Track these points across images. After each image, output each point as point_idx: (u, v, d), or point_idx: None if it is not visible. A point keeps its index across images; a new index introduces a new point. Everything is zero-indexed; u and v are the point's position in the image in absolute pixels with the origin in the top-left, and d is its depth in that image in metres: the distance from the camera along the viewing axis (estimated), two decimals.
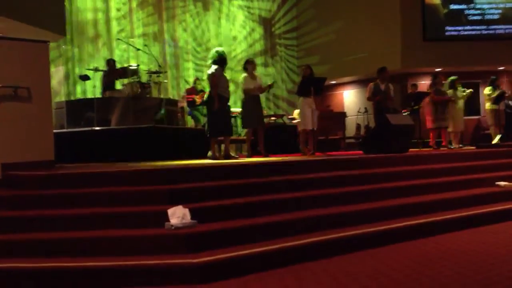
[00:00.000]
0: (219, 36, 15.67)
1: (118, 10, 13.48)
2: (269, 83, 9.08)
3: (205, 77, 10.93)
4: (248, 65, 8.47)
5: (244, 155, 9.04)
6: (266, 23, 16.95)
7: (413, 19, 14.74)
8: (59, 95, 12.08)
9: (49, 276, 3.66)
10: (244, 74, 8.42)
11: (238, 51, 16.06)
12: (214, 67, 7.62)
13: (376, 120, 9.41)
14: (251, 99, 8.30)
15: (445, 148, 10.43)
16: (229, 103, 8.03)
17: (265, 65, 16.56)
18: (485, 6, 14.98)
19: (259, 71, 13.45)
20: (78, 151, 8.74)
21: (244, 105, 8.40)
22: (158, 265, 3.66)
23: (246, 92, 8.30)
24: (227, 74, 8.15)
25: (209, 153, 7.97)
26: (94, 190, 4.80)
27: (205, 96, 7.91)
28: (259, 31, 16.75)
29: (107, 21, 13.20)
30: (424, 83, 14.48)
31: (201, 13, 15.33)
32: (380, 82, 9.49)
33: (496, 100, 11.02)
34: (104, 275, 3.63)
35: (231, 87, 8.87)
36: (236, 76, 13.76)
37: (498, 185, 6.63)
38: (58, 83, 12.06)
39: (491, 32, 14.96)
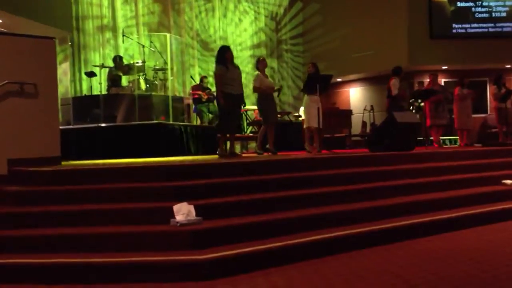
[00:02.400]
0: (224, 32, 15.63)
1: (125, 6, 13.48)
2: (277, 87, 8.96)
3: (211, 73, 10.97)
4: (259, 64, 8.48)
5: (248, 152, 9.03)
6: (272, 25, 16.85)
7: (420, 17, 14.68)
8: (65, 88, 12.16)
9: (55, 271, 3.67)
10: (257, 72, 8.42)
11: (243, 48, 16.01)
12: (216, 66, 7.67)
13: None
14: (266, 97, 8.30)
15: (435, 146, 10.43)
16: (243, 100, 8.03)
17: (270, 55, 16.44)
18: (492, 4, 14.90)
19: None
20: (84, 147, 8.77)
21: (261, 102, 8.38)
22: (163, 261, 3.66)
23: (260, 90, 8.29)
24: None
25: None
26: (100, 187, 4.81)
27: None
28: (264, 30, 16.68)
29: (113, 18, 13.21)
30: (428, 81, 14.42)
31: (207, 9, 15.30)
32: (400, 79, 9.60)
33: (502, 98, 10.96)
34: (109, 271, 3.64)
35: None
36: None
37: (504, 184, 6.60)
38: (63, 72, 12.14)
39: (498, 30, 14.88)
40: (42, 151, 5.90)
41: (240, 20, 16.12)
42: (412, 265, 3.85)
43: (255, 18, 16.45)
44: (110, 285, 3.56)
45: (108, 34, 13.15)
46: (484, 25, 14.88)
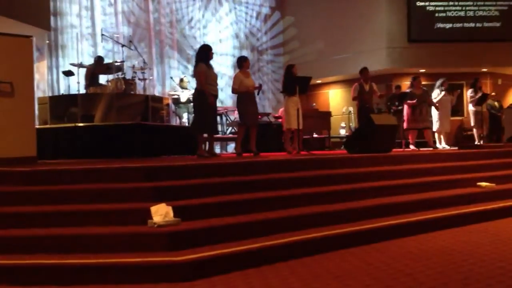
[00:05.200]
0: (205, 31, 15.57)
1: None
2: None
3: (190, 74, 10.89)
4: (243, 63, 8.39)
5: (227, 153, 8.99)
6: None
7: (398, 20, 14.83)
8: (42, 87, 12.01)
9: (28, 273, 3.62)
10: (237, 73, 8.37)
11: (222, 49, 15.96)
12: (198, 64, 7.62)
13: (360, 119, 9.53)
14: (246, 97, 8.22)
15: (429, 149, 10.51)
16: (217, 100, 7.99)
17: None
18: (469, 9, 15.13)
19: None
20: (61, 147, 8.66)
21: (240, 103, 8.27)
22: (140, 263, 3.64)
23: (239, 92, 8.23)
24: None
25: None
26: (76, 187, 4.76)
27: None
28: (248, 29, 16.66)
29: (92, 16, 13.05)
30: (408, 84, 14.56)
31: (189, 9, 15.22)
32: (364, 82, 9.64)
33: (478, 102, 11.15)
34: (85, 272, 3.61)
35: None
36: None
37: (479, 186, 6.70)
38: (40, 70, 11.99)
39: (475, 33, 15.11)
40: (18, 151, 5.83)
41: (220, 18, 16.05)
42: (388, 266, 3.89)
43: (237, 15, 16.41)
44: (85, 286, 3.52)
45: (87, 34, 12.98)
46: (462, 29, 15.10)
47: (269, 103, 16.60)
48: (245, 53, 16.05)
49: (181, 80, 12.41)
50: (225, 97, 14.95)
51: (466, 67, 14.85)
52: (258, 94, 8.57)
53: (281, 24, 17.34)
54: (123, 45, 11.06)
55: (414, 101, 10.23)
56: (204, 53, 7.67)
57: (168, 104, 11.64)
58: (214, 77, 7.74)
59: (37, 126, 6.59)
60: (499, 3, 15.19)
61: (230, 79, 14.87)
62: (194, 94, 7.88)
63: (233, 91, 8.30)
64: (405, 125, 10.49)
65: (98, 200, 4.56)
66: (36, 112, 8.80)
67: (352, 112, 13.00)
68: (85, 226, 4.18)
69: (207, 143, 8.35)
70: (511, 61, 15.29)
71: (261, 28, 17.01)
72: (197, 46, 14.75)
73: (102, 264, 3.64)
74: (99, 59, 10.90)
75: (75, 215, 4.32)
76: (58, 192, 4.69)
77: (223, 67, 15.44)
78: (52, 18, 12.07)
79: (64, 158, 8.08)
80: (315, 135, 13.29)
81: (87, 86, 10.36)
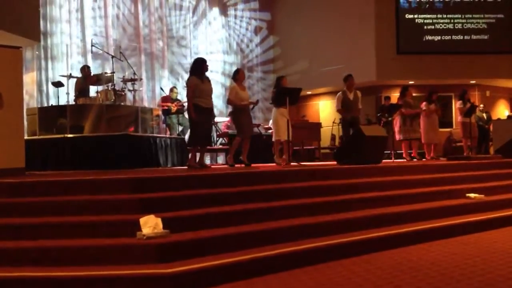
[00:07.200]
0: (197, 43, 15.60)
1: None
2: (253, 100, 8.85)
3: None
4: (238, 75, 8.41)
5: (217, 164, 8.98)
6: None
7: (387, 32, 14.96)
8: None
9: (15, 285, 3.58)
10: (233, 84, 8.39)
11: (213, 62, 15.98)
12: (190, 77, 7.63)
13: (344, 130, 9.52)
14: (241, 110, 8.25)
15: (415, 160, 10.54)
16: (213, 114, 7.99)
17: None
18: (458, 21, 15.31)
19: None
20: (50, 158, 8.61)
21: (235, 115, 8.31)
22: (129, 275, 3.61)
23: (234, 103, 8.25)
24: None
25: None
26: (64, 199, 4.73)
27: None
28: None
29: (82, 28, 13.04)
30: (397, 95, 14.66)
31: (180, 19, 15.25)
32: (348, 90, 9.58)
33: (467, 113, 11.22)
34: (72, 285, 3.57)
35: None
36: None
37: (468, 197, 6.73)
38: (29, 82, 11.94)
39: (463, 45, 15.26)
40: (6, 162, 5.78)
41: (211, 27, 16.09)
42: (378, 278, 3.88)
43: (228, 24, 16.47)
44: None
45: (77, 45, 12.96)
46: (450, 41, 15.26)
47: (256, 121, 16.57)
48: (234, 58, 16.11)
49: (171, 90, 12.39)
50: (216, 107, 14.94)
51: (454, 79, 14.98)
52: (252, 108, 8.61)
53: (271, 39, 17.42)
54: (113, 56, 11.05)
55: (417, 110, 10.25)
56: (198, 66, 7.67)
57: (158, 115, 11.63)
58: (208, 90, 7.70)
59: (25, 137, 6.54)
60: (486, 16, 15.39)
61: (222, 87, 15.00)
62: (187, 107, 7.93)
63: (228, 101, 8.35)
64: (398, 136, 10.48)
65: (86, 212, 4.52)
66: (25, 123, 8.75)
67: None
68: (73, 238, 4.14)
69: (197, 154, 8.33)
70: (499, 73, 15.47)
71: (252, 39, 17.07)
72: (184, 56, 14.98)
73: (91, 277, 3.60)
74: (88, 69, 10.88)
75: (63, 227, 4.28)
76: (46, 203, 4.65)
77: (214, 73, 15.41)
78: (42, 29, 12.05)
79: (53, 169, 8.03)
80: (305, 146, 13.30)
81: (76, 97, 10.32)
